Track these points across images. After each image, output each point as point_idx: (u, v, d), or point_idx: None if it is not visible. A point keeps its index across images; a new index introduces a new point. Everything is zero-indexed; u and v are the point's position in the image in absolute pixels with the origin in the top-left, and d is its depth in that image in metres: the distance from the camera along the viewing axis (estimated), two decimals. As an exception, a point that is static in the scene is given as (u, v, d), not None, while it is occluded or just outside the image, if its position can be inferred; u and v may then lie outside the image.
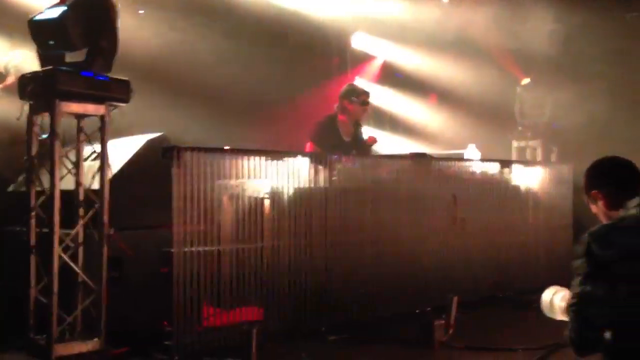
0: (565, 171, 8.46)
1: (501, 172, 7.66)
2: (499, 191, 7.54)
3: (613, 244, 2.31)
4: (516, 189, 7.82)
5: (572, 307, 2.35)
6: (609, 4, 9.31)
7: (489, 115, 9.82)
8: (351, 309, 5.97)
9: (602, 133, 9.14)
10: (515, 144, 9.51)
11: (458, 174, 7.14)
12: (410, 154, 7.17)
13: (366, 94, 7.27)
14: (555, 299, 2.89)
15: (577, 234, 8.17)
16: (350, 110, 7.14)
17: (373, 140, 7.13)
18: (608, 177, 2.68)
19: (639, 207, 2.41)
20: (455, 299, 5.54)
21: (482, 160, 7.84)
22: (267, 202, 5.48)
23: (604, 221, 2.59)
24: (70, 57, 4.81)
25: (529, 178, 8.02)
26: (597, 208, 2.66)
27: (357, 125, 7.33)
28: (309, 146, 6.94)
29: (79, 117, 4.91)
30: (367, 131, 7.68)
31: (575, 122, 9.15)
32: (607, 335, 2.31)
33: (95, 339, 4.72)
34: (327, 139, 6.94)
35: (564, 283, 7.33)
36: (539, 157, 9.19)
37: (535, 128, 9.31)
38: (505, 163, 7.84)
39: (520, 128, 9.46)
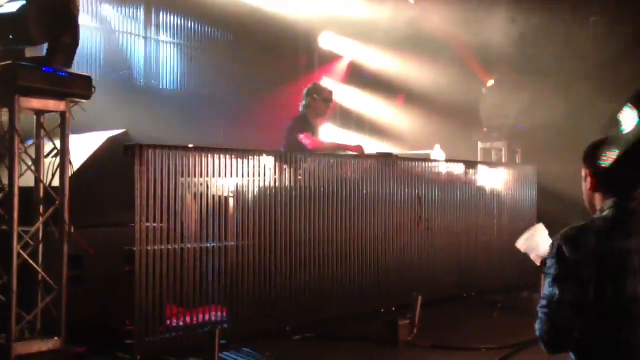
0: (530, 172, 8.59)
1: (466, 173, 7.73)
2: (464, 192, 7.62)
3: (582, 247, 2.29)
4: (481, 189, 7.90)
5: (542, 309, 2.34)
6: (573, 8, 9.45)
7: (455, 116, 9.90)
8: (316, 308, 5.97)
9: (566, 135, 9.26)
10: (480, 145, 9.59)
11: (423, 174, 7.19)
12: (376, 153, 7.20)
13: (329, 91, 7.34)
14: (538, 237, 2.85)
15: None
16: (314, 107, 7.20)
17: (359, 149, 7.17)
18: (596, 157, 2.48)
19: (613, 209, 2.38)
20: (420, 298, 5.57)
21: (448, 160, 7.90)
22: (231, 201, 5.44)
23: (586, 204, 2.56)
24: (30, 53, 4.72)
25: (494, 179, 8.12)
26: (584, 187, 2.53)
27: (320, 124, 7.50)
28: (305, 136, 6.95)
29: (39, 113, 4.82)
30: (351, 139, 7.76)
31: (540, 124, 9.27)
32: (576, 335, 2.31)
33: (56, 338, 4.64)
34: (309, 129, 7.05)
35: (527, 283, 7.48)
36: (504, 159, 9.28)
37: (500, 129, 9.39)
38: (471, 164, 7.91)
39: (485, 129, 9.53)
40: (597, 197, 2.46)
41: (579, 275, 2.28)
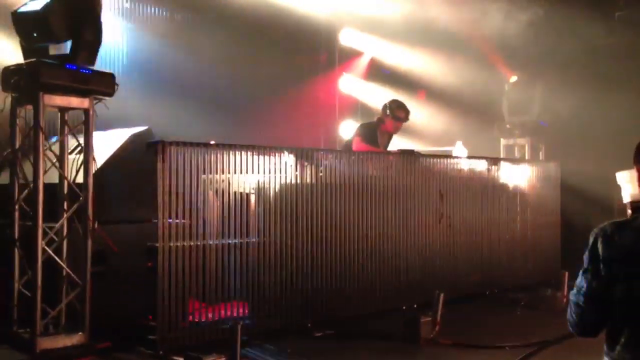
0: (553, 169, 8.50)
1: (488, 170, 7.67)
2: (486, 188, 7.56)
3: (617, 244, 2.28)
4: (504, 186, 7.83)
5: (572, 297, 2.37)
6: (598, 2, 9.34)
7: (477, 113, 9.82)
8: (337, 305, 5.96)
9: (589, 131, 9.16)
10: (503, 141, 9.52)
11: (445, 170, 7.14)
12: (398, 150, 7.17)
13: (403, 109, 7.34)
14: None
15: (564, 231, 8.27)
16: (385, 122, 7.29)
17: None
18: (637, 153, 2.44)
19: None
20: (442, 295, 5.53)
21: (470, 157, 7.84)
22: (252, 198, 5.45)
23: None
24: (54, 50, 4.77)
25: (517, 175, 8.04)
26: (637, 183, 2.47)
27: (390, 137, 7.50)
28: (356, 140, 7.08)
29: (63, 110, 4.87)
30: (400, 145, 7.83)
31: (563, 120, 9.18)
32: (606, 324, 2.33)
33: (80, 333, 4.70)
34: (369, 140, 7.11)
35: (550, 281, 7.39)
36: (527, 155, 9.20)
37: (523, 126, 9.30)
38: (493, 160, 7.85)
39: (508, 126, 9.45)
40: None
41: (609, 271, 2.27)
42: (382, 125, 7.31)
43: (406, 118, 7.38)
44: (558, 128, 9.24)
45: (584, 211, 7.68)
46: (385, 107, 7.34)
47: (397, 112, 7.28)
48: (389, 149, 7.42)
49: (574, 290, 2.37)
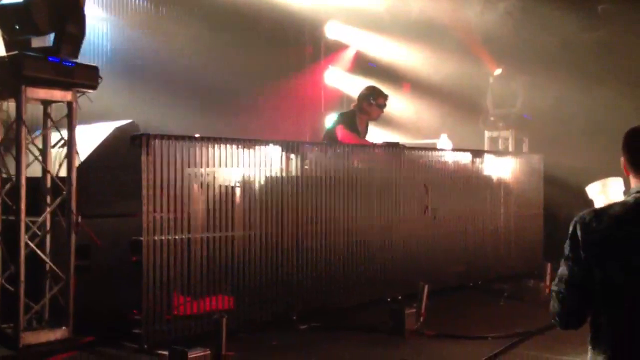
0: (536, 161, 8.57)
1: (473, 162, 7.71)
2: (471, 180, 7.61)
3: (595, 230, 2.33)
4: (488, 178, 7.89)
5: (554, 287, 2.40)
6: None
7: (462, 106, 9.87)
8: (322, 297, 5.98)
9: (573, 124, 9.24)
10: (487, 134, 9.57)
11: (430, 163, 7.18)
12: (383, 143, 7.19)
13: (384, 96, 7.34)
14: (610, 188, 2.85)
15: (547, 223, 8.34)
16: (367, 111, 7.27)
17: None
18: (629, 141, 2.48)
19: (635, 195, 2.38)
20: (426, 287, 5.57)
21: (454, 150, 7.87)
22: (238, 191, 5.45)
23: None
24: (36, 43, 4.73)
25: (501, 168, 8.10)
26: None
27: (367, 125, 7.49)
28: (340, 129, 7.01)
29: (46, 103, 4.84)
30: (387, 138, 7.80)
31: (547, 113, 9.24)
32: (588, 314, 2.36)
33: (64, 328, 4.68)
34: (351, 129, 7.08)
35: (533, 272, 7.46)
36: (511, 148, 9.26)
37: (507, 118, 9.37)
38: (477, 153, 7.89)
39: (492, 118, 9.51)
40: (631, 182, 2.47)
41: (588, 258, 2.31)
42: (362, 113, 7.27)
43: (385, 104, 7.38)
44: (542, 121, 9.30)
45: (567, 203, 7.73)
46: (366, 96, 7.29)
47: (379, 100, 7.27)
48: (369, 138, 7.40)
49: (556, 281, 2.40)
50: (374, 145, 6.97)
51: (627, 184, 2.60)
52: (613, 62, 9.05)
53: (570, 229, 2.39)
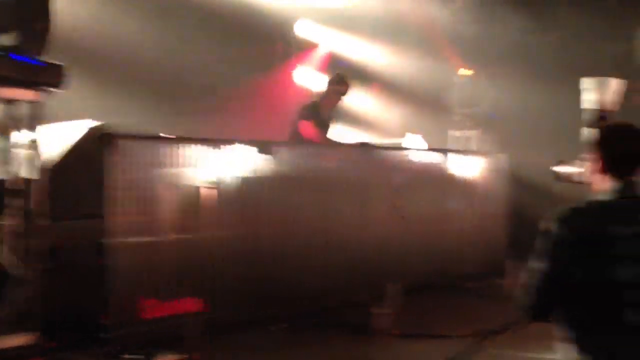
0: (502, 161, 8.66)
1: (439, 161, 7.77)
2: (437, 180, 7.67)
3: (572, 227, 2.34)
4: (454, 177, 7.95)
5: (526, 281, 2.43)
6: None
7: (428, 105, 9.93)
8: (293, 298, 5.96)
9: (537, 124, 9.37)
10: (453, 133, 9.64)
11: (398, 162, 7.21)
12: (353, 143, 7.19)
13: (347, 84, 7.34)
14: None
15: (513, 221, 8.46)
16: (330, 97, 7.29)
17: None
18: (604, 140, 2.49)
19: (615, 194, 2.40)
20: (395, 286, 5.60)
21: (420, 149, 7.92)
22: (207, 192, 5.39)
23: (591, 187, 2.54)
24: (1, 40, 4.59)
25: (467, 167, 8.17)
26: (589, 170, 2.52)
27: (331, 112, 7.47)
28: (303, 124, 6.98)
29: (9, 102, 4.71)
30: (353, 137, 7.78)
31: (512, 113, 9.36)
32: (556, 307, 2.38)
33: (30, 333, 4.57)
34: (313, 119, 7.06)
35: (499, 270, 7.57)
36: (477, 147, 9.35)
37: (473, 118, 9.46)
38: (444, 152, 7.95)
39: (458, 118, 9.59)
40: (603, 181, 2.47)
41: (562, 254, 2.33)
42: (324, 100, 7.28)
43: (347, 91, 7.39)
44: (507, 120, 9.42)
45: (532, 202, 7.86)
46: (332, 82, 7.33)
47: (339, 87, 7.28)
48: (336, 133, 7.38)
49: (529, 274, 2.41)
50: (337, 143, 6.97)
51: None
52: (574, 62, 9.20)
53: (545, 224, 2.38)
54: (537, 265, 2.38)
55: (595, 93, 3.10)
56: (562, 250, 2.34)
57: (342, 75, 7.51)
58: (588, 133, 2.90)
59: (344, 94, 7.33)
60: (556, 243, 2.35)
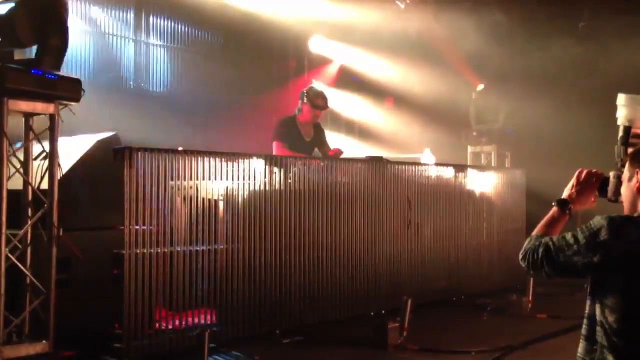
0: (519, 176, 8.63)
1: (456, 177, 7.75)
2: (454, 195, 7.63)
3: (623, 236, 2.29)
4: (470, 193, 7.92)
5: (539, 238, 2.47)
6: (562, 13, 9.52)
7: (445, 121, 9.93)
8: (306, 311, 5.96)
9: (555, 140, 9.33)
10: (470, 149, 9.63)
11: (413, 178, 7.19)
12: (366, 157, 7.19)
13: (321, 97, 7.23)
14: None
15: (530, 238, 8.41)
16: (304, 111, 7.16)
17: (338, 152, 7.11)
18: None
19: None
20: (410, 301, 5.57)
21: (437, 164, 7.91)
22: (221, 205, 5.44)
23: (626, 206, 2.49)
24: (19, 55, 4.71)
25: (484, 183, 8.14)
26: (629, 188, 2.48)
27: (318, 128, 7.34)
28: (275, 146, 6.91)
29: (28, 115, 4.80)
30: (331, 141, 7.67)
31: (529, 129, 9.33)
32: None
33: (44, 342, 4.61)
34: (290, 137, 6.96)
35: (516, 287, 7.49)
36: (494, 163, 9.32)
37: (490, 134, 9.44)
38: (460, 168, 7.93)
39: (475, 134, 9.57)
40: None
41: (604, 259, 2.29)
42: (301, 115, 7.14)
43: (325, 106, 7.23)
44: (524, 136, 9.38)
45: (549, 218, 7.77)
46: (302, 95, 7.19)
47: (315, 101, 7.14)
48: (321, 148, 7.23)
49: (553, 242, 2.40)
50: (356, 160, 6.94)
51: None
52: (593, 79, 9.16)
53: (596, 225, 2.34)
54: (561, 240, 2.39)
55: (630, 110, 3.06)
56: (604, 255, 2.30)
57: (317, 89, 7.40)
58: (621, 150, 2.89)
59: (321, 108, 7.18)
60: (596, 245, 2.31)
